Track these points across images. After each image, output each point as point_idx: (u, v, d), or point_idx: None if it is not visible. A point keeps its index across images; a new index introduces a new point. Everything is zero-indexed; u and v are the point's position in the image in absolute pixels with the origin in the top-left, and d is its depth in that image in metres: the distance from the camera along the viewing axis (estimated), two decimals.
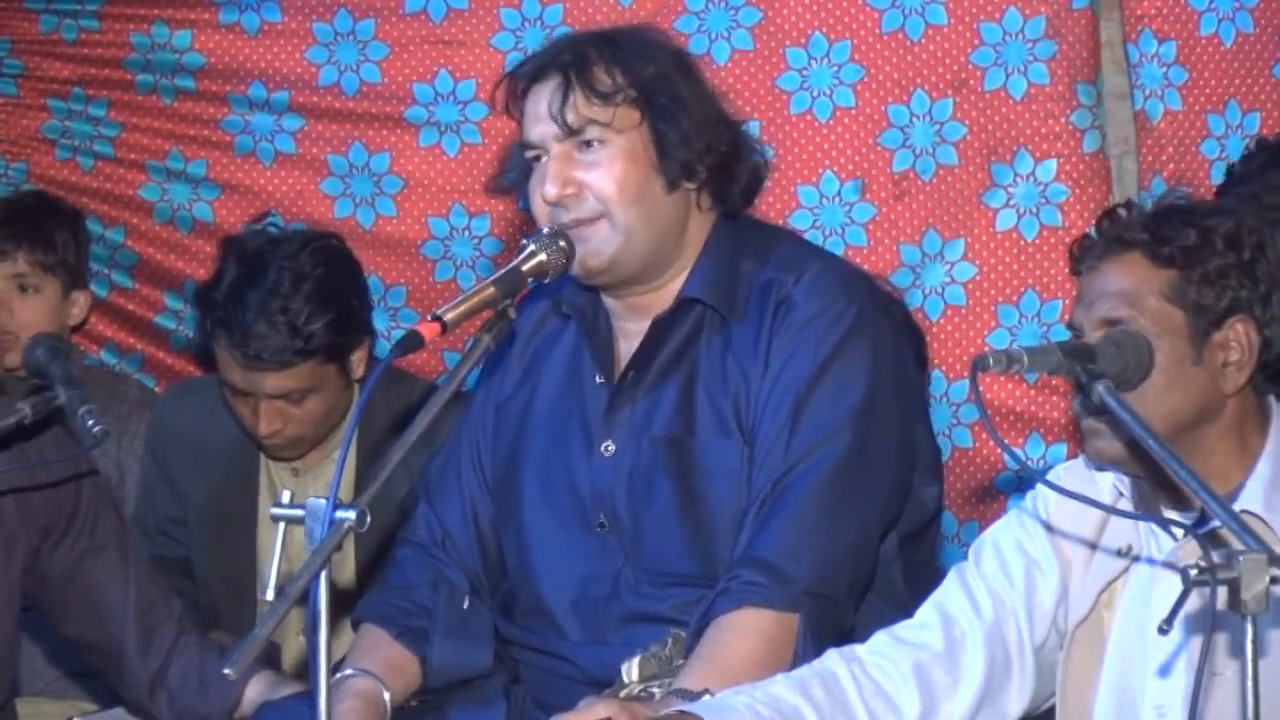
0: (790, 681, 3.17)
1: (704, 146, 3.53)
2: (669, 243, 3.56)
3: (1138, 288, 3.05)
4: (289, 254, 4.33)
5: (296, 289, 4.29)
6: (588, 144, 3.50)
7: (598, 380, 3.65)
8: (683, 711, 3.11)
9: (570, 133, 3.49)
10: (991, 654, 3.23)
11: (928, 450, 3.71)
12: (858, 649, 3.25)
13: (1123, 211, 3.18)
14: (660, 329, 3.60)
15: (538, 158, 3.54)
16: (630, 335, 3.64)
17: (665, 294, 3.61)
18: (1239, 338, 3.06)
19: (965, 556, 3.36)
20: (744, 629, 3.35)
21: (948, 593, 3.30)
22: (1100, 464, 3.17)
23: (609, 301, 3.65)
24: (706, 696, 3.17)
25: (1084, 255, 3.16)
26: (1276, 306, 3.08)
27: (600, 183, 3.48)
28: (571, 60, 3.52)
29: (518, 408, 3.73)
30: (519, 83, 3.58)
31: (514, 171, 3.64)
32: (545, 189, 3.49)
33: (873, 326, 3.55)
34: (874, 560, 3.55)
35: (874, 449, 3.50)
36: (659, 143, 3.51)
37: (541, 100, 3.51)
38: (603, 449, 3.61)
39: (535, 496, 3.66)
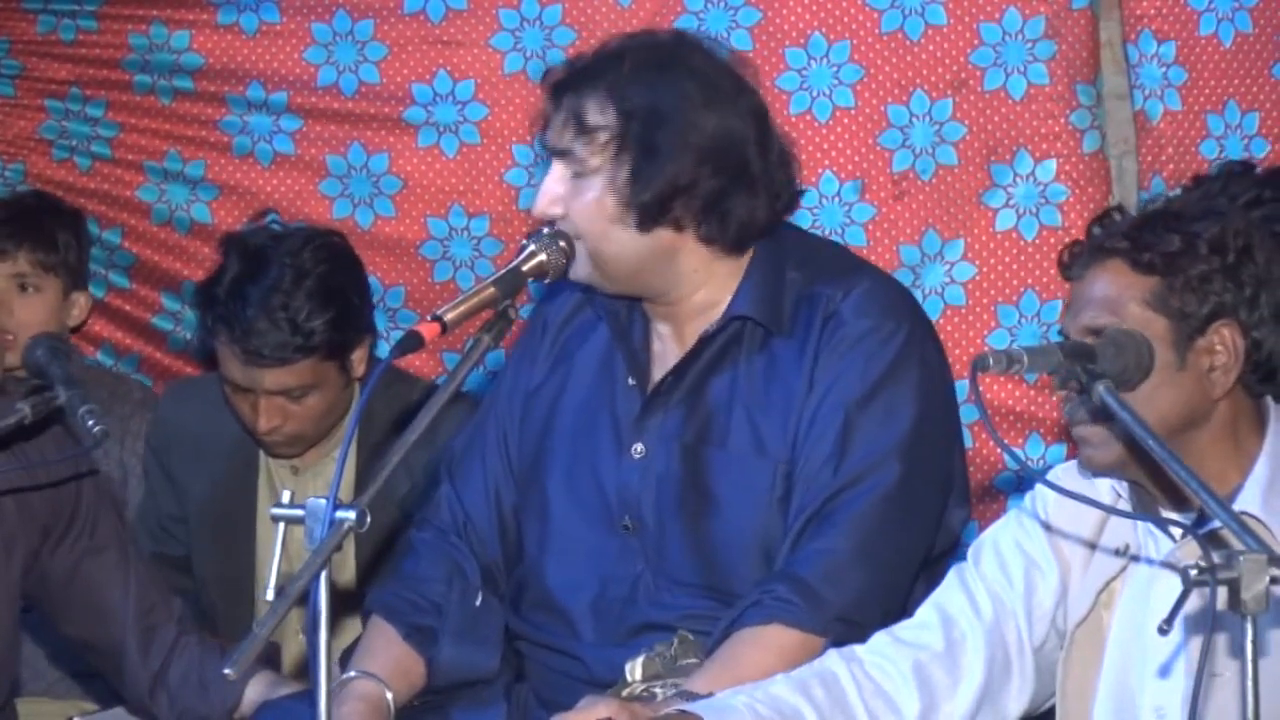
0: (790, 682, 3.17)
1: (677, 188, 3.47)
2: (654, 274, 3.54)
3: (1120, 295, 3.04)
4: (291, 251, 4.33)
5: (298, 286, 4.29)
6: (571, 169, 3.49)
7: (630, 383, 3.64)
8: (683, 711, 3.12)
9: (554, 154, 3.51)
10: (991, 654, 3.23)
11: (960, 473, 3.68)
12: (857, 649, 3.25)
13: (1117, 215, 3.18)
14: (703, 342, 3.58)
15: None
16: (664, 338, 3.63)
17: (693, 308, 3.59)
18: (1224, 342, 3.04)
19: (965, 557, 3.36)
20: (767, 644, 3.35)
21: (947, 593, 3.30)
22: (1095, 471, 3.16)
23: (644, 305, 3.64)
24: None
25: (1072, 262, 3.16)
26: (1265, 308, 3.06)
27: (575, 210, 3.48)
28: (572, 82, 3.51)
29: (547, 398, 3.72)
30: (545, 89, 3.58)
31: None
32: (534, 202, 3.53)
33: (921, 349, 3.54)
34: (909, 587, 3.54)
35: (920, 480, 3.49)
36: (631, 183, 3.46)
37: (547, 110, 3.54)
38: (633, 450, 3.60)
39: (561, 490, 3.65)
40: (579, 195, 3.48)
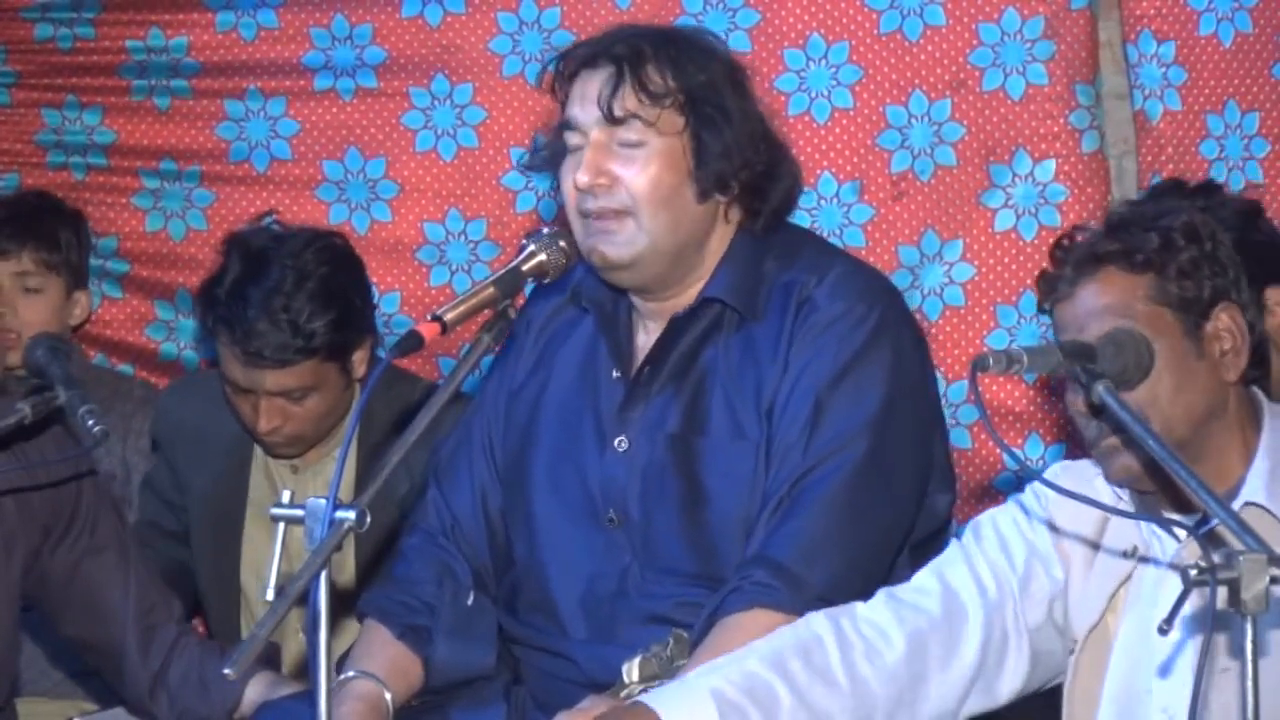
0: (768, 655, 3.16)
1: (741, 162, 3.54)
2: (691, 250, 3.56)
3: (1123, 299, 3.07)
4: (292, 252, 4.33)
5: (299, 287, 4.29)
6: (628, 139, 3.50)
7: (614, 375, 3.65)
8: (639, 703, 3.12)
9: (614, 122, 3.50)
10: (988, 634, 3.24)
11: (942, 457, 3.70)
12: (857, 605, 3.26)
13: (1080, 235, 3.20)
14: (678, 326, 3.60)
15: (577, 147, 3.55)
16: (650, 331, 3.65)
17: (686, 297, 3.61)
18: (1228, 324, 3.09)
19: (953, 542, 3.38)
20: (752, 630, 3.34)
21: (950, 565, 3.30)
22: (1123, 481, 3.16)
23: (635, 300, 3.65)
24: None
25: (1054, 286, 3.17)
26: (1246, 289, 3.11)
27: (634, 180, 3.49)
28: (627, 53, 3.52)
29: (530, 397, 3.73)
30: (570, 65, 3.59)
31: (546, 152, 3.66)
32: (578, 175, 3.51)
33: (894, 332, 3.56)
34: (887, 568, 3.55)
35: (891, 456, 3.50)
36: (698, 152, 3.51)
37: (591, 85, 3.53)
38: (616, 444, 3.61)
39: (545, 488, 3.66)
40: (635, 163, 3.50)
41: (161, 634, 3.89)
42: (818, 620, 3.23)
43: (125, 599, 3.87)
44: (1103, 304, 3.08)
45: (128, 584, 3.88)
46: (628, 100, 3.50)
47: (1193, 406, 3.06)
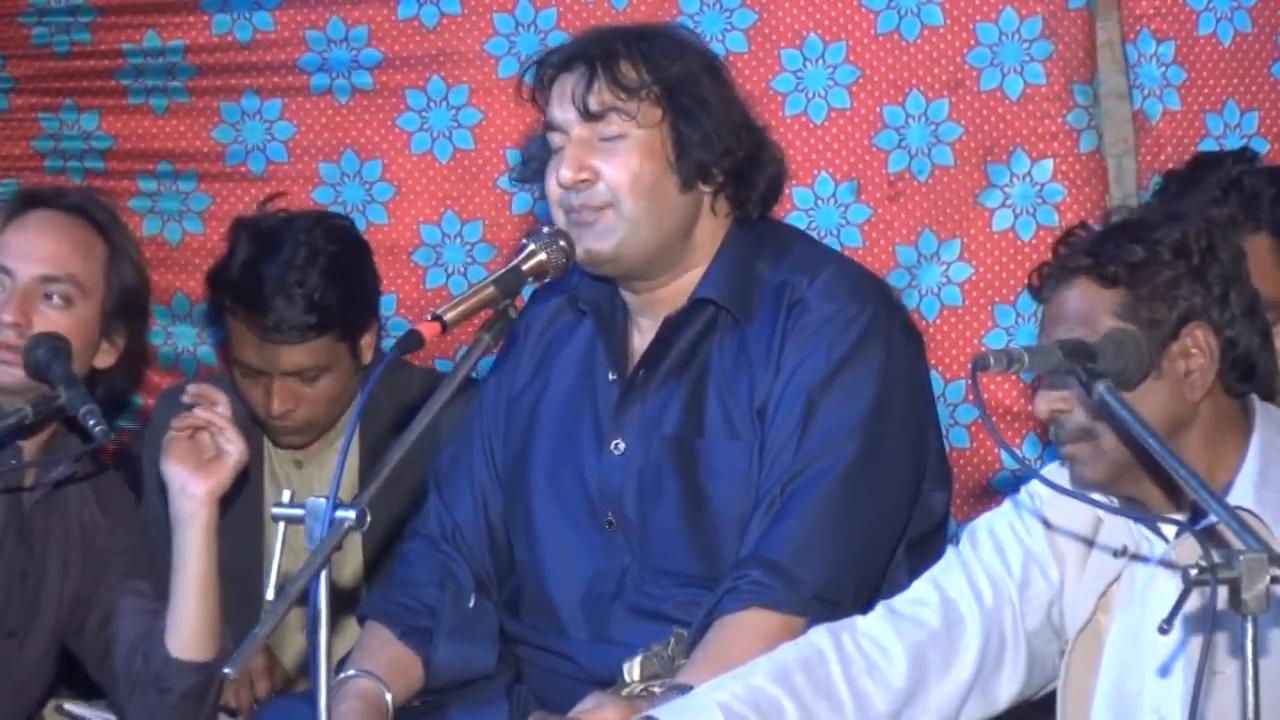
0: (772, 669, 3.17)
1: (723, 150, 3.56)
2: (676, 241, 3.58)
3: (1090, 310, 3.07)
4: (303, 228, 4.36)
5: (312, 263, 4.30)
6: (608, 134, 3.53)
7: (610, 377, 3.66)
8: (648, 717, 3.12)
9: (591, 118, 3.53)
10: (986, 641, 3.25)
11: (937, 455, 3.72)
12: (858, 620, 3.27)
13: (1081, 232, 3.20)
14: (672, 328, 3.62)
15: (559, 147, 3.57)
16: (645, 332, 3.66)
17: (676, 291, 3.63)
18: (1197, 344, 3.06)
19: (951, 541, 3.37)
20: (750, 629, 3.37)
21: (947, 574, 3.31)
22: (1087, 488, 3.16)
23: (626, 297, 3.67)
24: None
25: (1041, 285, 3.18)
26: (1235, 305, 3.09)
27: (615, 173, 3.51)
28: (599, 53, 3.56)
29: (529, 402, 3.75)
30: (546, 70, 3.61)
31: (534, 161, 3.67)
32: (561, 172, 3.54)
33: (885, 331, 3.57)
34: (882, 566, 3.57)
35: (884, 454, 3.51)
36: (678, 142, 3.54)
37: (567, 86, 3.56)
38: (613, 446, 3.63)
39: (544, 491, 3.68)
40: (616, 156, 3.53)
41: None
42: (820, 636, 3.24)
43: (133, 638, 3.86)
44: (1072, 311, 3.09)
45: (138, 621, 3.88)
46: (603, 95, 3.53)
47: (1145, 423, 3.03)
